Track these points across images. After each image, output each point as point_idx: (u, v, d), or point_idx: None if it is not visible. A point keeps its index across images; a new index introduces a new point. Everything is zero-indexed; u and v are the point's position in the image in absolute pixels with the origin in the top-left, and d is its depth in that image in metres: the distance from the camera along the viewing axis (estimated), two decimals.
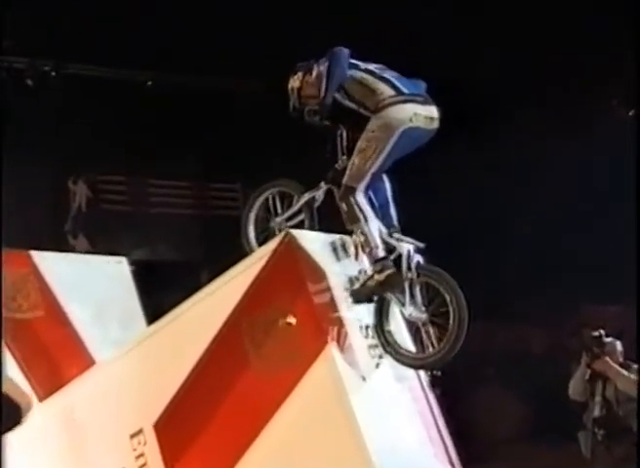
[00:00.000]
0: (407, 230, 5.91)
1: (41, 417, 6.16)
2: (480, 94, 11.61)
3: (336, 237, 5.96)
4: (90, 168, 12.77)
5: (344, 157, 5.90)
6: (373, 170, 5.73)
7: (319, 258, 5.85)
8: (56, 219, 12.72)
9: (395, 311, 5.78)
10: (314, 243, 5.90)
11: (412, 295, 5.64)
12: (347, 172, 5.78)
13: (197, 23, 11.88)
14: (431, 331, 5.62)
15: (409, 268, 5.65)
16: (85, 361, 6.71)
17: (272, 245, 5.93)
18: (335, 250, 5.95)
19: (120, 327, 6.94)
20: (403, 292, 5.64)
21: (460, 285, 5.57)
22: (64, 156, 12.16)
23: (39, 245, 7.51)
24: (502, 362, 12.23)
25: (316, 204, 6.08)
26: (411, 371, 6.02)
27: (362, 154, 5.72)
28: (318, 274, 5.82)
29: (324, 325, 5.71)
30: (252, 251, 6.18)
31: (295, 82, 6.00)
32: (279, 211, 6.21)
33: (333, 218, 5.97)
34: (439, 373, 10.71)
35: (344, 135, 5.96)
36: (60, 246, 10.20)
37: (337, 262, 5.92)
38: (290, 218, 6.14)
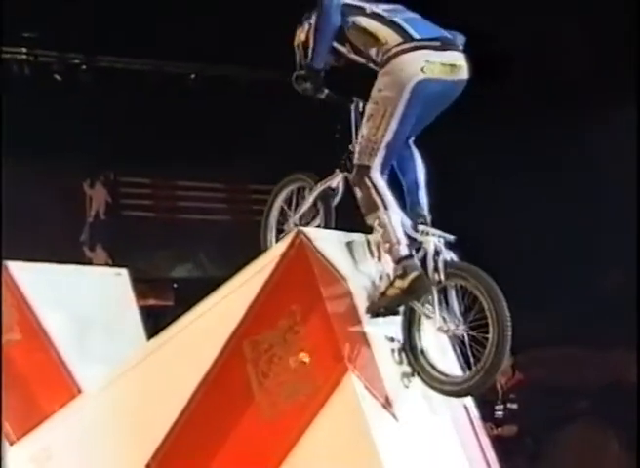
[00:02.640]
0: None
1: (12, 464, 5.85)
2: None
3: (356, 236, 5.26)
4: (110, 168, 12.27)
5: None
6: (387, 139, 4.98)
7: (337, 263, 5.14)
8: (69, 228, 12.15)
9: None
10: (331, 243, 5.19)
11: (444, 303, 4.90)
12: (357, 147, 5.06)
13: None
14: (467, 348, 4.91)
15: (436, 269, 4.89)
16: (69, 391, 6.08)
17: (281, 247, 5.27)
18: (355, 251, 5.22)
19: (114, 350, 6.22)
20: (432, 299, 4.91)
21: (500, 285, 4.78)
22: (82, 155, 11.65)
23: (48, 258, 6.87)
24: (599, 394, 11.29)
25: (335, 198, 5.40)
26: (454, 400, 5.28)
27: (370, 122, 5.00)
28: (336, 282, 5.12)
29: (343, 347, 4.99)
30: None
31: (300, 35, 5.38)
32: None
33: (355, 216, 5.24)
34: (515, 406, 10.08)
35: (360, 109, 5.25)
36: (75, 259, 9.59)
37: (358, 266, 5.20)
38: (305, 216, 5.52)
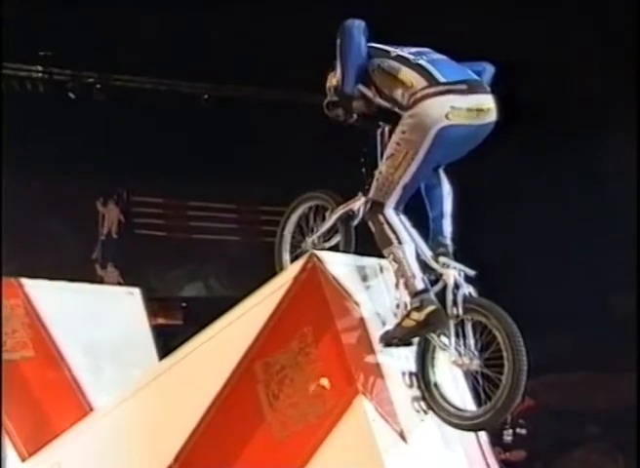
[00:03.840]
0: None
1: None
2: None
3: (372, 261, 5.28)
4: (122, 187, 12.28)
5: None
6: (404, 181, 4.95)
7: (349, 286, 5.17)
8: (82, 246, 12.18)
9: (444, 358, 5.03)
10: (343, 267, 5.22)
11: (460, 337, 4.87)
12: (374, 182, 5.04)
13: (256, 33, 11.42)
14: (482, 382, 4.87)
15: (454, 303, 4.85)
16: (81, 409, 6.19)
17: (293, 271, 5.28)
18: (368, 275, 5.26)
19: (127, 369, 6.27)
20: (448, 332, 4.88)
21: (518, 325, 4.75)
22: (95, 173, 11.69)
23: (59, 275, 6.91)
24: (608, 419, 11.24)
25: (355, 221, 5.37)
26: None
27: (390, 161, 4.96)
28: (348, 305, 5.15)
29: (354, 369, 5.01)
30: None
31: (333, 79, 5.27)
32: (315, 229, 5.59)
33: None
34: (523, 432, 10.07)
35: (386, 134, 5.21)
36: (86, 276, 9.61)
37: (370, 290, 5.23)
38: (324, 238, 5.48)
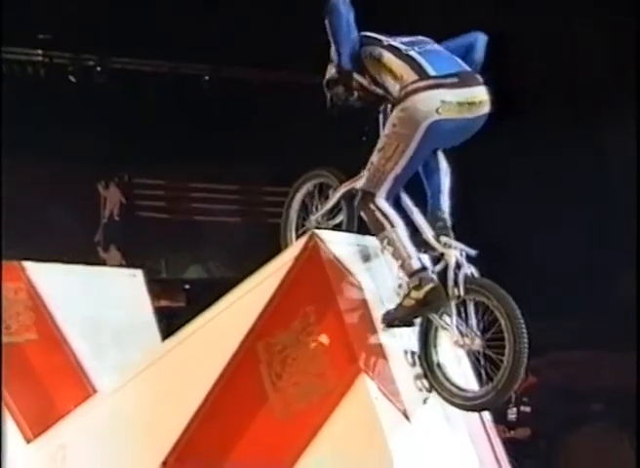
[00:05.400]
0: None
1: (28, 463, 5.84)
2: None
3: (373, 240, 5.21)
4: (124, 169, 12.26)
5: None
6: (395, 172, 4.96)
7: (350, 265, 5.17)
8: (84, 228, 12.14)
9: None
10: (345, 246, 5.22)
11: (462, 317, 4.86)
12: (365, 172, 5.06)
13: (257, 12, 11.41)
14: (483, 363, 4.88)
15: (456, 283, 4.85)
16: (84, 391, 6.17)
17: (295, 250, 5.29)
18: (369, 254, 5.23)
19: (130, 351, 6.27)
20: (450, 312, 4.87)
21: (521, 303, 4.75)
22: (96, 156, 11.68)
23: (62, 257, 6.92)
24: (613, 397, 11.25)
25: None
26: None
27: (381, 153, 4.96)
28: (349, 284, 5.14)
29: (357, 349, 5.01)
30: None
31: (331, 70, 5.25)
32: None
33: None
34: (527, 410, 10.09)
35: (389, 111, 5.14)
36: (89, 259, 9.61)
37: (372, 269, 5.21)
38: (327, 216, 5.46)
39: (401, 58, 4.99)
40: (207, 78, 12.62)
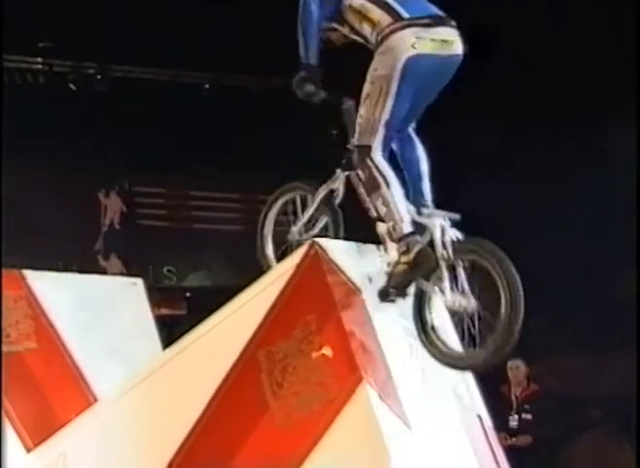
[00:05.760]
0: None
1: None
2: None
3: (371, 247, 5.23)
4: (124, 177, 12.25)
5: None
6: (385, 117, 5.01)
7: (352, 274, 5.14)
8: (84, 237, 12.12)
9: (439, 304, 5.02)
10: (346, 254, 5.18)
11: (454, 280, 4.85)
12: (356, 128, 5.07)
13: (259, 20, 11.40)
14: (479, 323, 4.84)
15: (444, 246, 4.88)
16: (85, 399, 6.19)
17: (295, 259, 5.25)
18: (370, 262, 5.21)
19: (130, 359, 6.24)
20: (442, 276, 4.85)
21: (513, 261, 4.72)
22: (97, 165, 11.68)
23: (63, 266, 6.91)
24: (613, 404, 11.24)
25: (337, 200, 5.38)
26: (468, 410, 5.31)
27: (368, 101, 5.04)
28: (351, 293, 5.12)
29: (357, 357, 4.98)
30: (270, 268, 5.54)
31: None
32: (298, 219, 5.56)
33: (362, 226, 5.21)
34: (529, 417, 10.07)
35: (352, 108, 5.23)
36: (89, 267, 9.63)
37: (373, 278, 5.17)
38: (309, 224, 5.47)
39: (377, 5, 5.12)
40: (207, 86, 12.60)
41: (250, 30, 11.53)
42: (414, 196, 5.12)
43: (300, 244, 5.33)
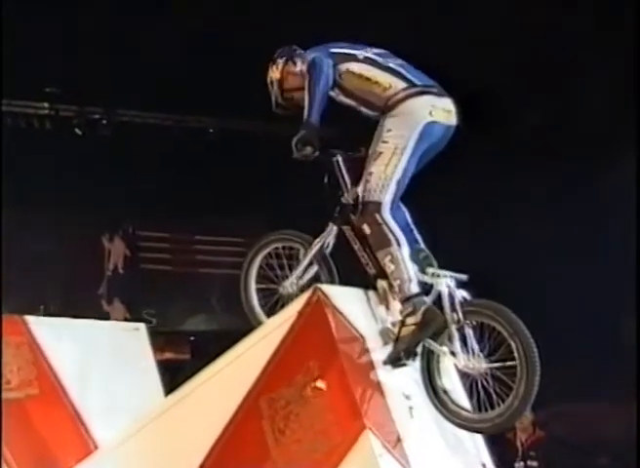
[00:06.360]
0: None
1: None
2: None
3: (373, 293, 5.21)
4: (128, 222, 12.25)
5: (350, 187, 5.23)
6: (397, 176, 5.08)
7: (354, 320, 5.10)
8: (88, 282, 12.09)
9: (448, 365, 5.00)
10: (348, 301, 5.15)
11: (464, 342, 4.84)
12: (364, 186, 5.10)
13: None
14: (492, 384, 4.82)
15: (453, 308, 4.86)
16: (86, 447, 6.11)
17: (298, 305, 5.20)
18: (373, 308, 5.19)
19: (132, 406, 6.18)
20: (452, 338, 4.84)
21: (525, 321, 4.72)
22: (100, 209, 11.68)
23: (65, 311, 6.87)
24: (619, 450, 11.13)
25: (327, 251, 5.40)
26: (472, 458, 5.22)
27: (380, 159, 5.08)
28: (353, 339, 5.07)
29: (360, 404, 4.92)
30: (257, 321, 5.58)
31: (274, 73, 5.51)
32: (285, 270, 5.56)
33: (351, 272, 5.26)
34: (534, 464, 9.97)
35: (341, 162, 5.29)
36: (92, 312, 9.60)
37: (376, 324, 5.15)
38: (302, 276, 5.44)
39: (383, 70, 5.21)
40: (211, 131, 12.64)
41: (254, 75, 11.54)
42: (409, 242, 5.10)
43: (291, 297, 5.35)
